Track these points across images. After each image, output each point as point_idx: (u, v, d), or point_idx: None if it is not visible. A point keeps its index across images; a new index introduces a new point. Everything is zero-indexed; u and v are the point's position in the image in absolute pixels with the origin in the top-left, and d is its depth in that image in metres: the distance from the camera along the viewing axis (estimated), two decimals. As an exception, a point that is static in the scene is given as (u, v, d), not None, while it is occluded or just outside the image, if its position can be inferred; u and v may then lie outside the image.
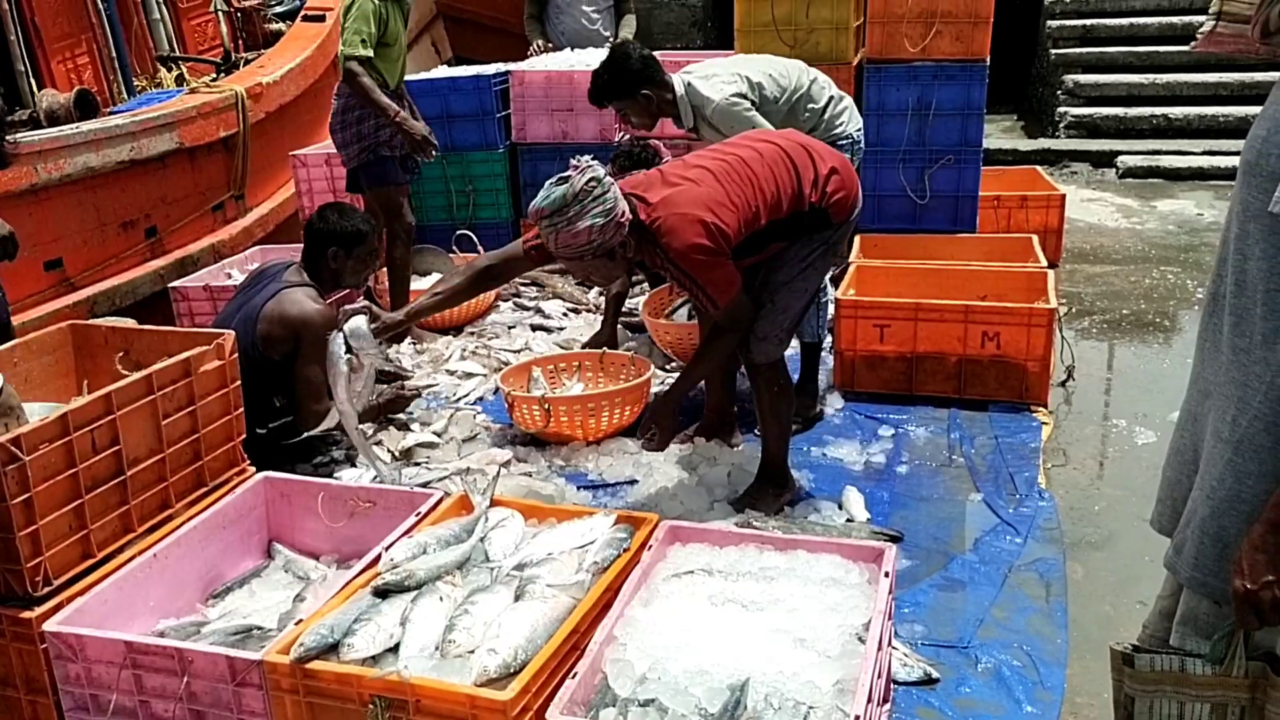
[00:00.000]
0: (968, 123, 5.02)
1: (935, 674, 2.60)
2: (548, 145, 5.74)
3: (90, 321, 3.34)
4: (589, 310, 5.27)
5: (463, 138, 5.69)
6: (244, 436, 2.91)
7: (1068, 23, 9.37)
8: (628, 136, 4.84)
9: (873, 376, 4.22)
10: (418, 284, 5.05)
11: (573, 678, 2.05)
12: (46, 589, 2.33)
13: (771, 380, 3.26)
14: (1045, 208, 5.63)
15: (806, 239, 3.13)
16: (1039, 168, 6.46)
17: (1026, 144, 8.85)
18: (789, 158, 3.09)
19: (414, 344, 4.91)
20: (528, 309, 5.29)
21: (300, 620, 2.26)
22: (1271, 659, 1.65)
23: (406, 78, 4.97)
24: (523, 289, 5.49)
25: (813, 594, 2.32)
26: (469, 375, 4.56)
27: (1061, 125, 8.85)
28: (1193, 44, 1.74)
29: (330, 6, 6.99)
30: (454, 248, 5.51)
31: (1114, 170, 8.13)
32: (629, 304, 4.96)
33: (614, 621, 2.21)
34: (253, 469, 2.94)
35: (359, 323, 3.23)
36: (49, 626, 2.24)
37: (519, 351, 4.75)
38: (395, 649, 2.15)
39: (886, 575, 2.33)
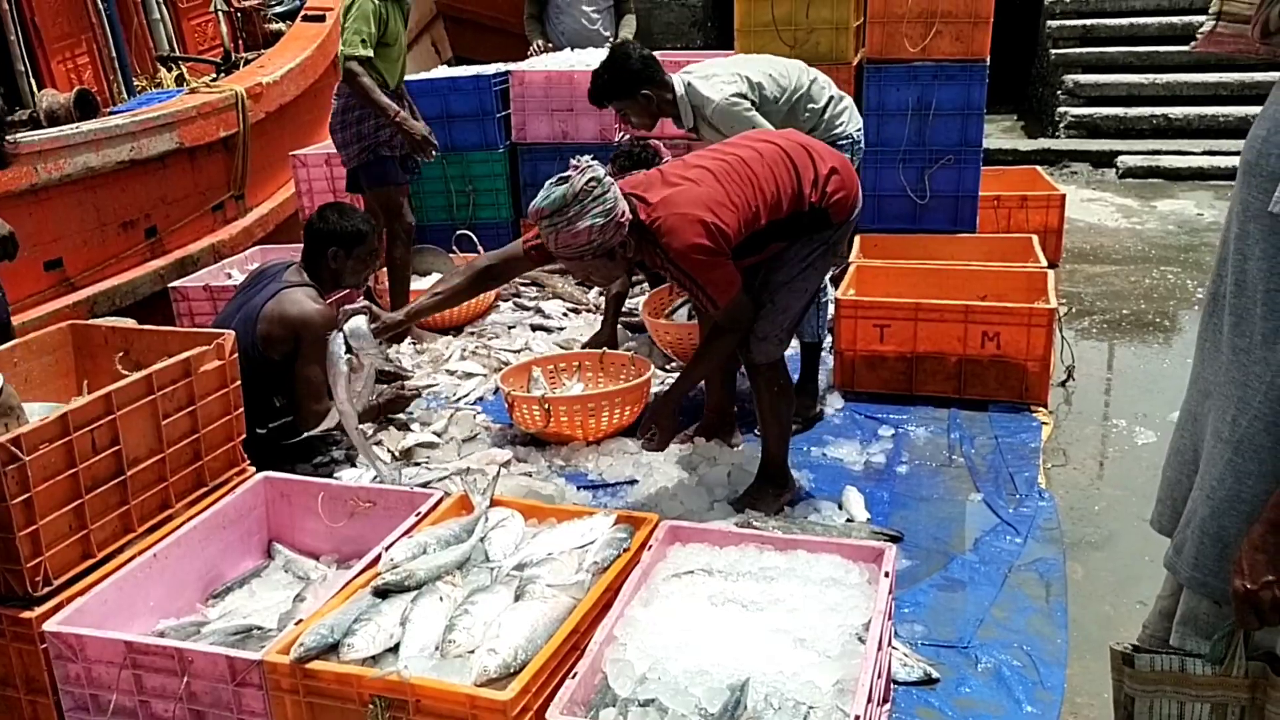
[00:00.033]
0: (968, 123, 5.02)
1: (935, 674, 2.60)
2: (548, 145, 5.74)
3: (90, 321, 3.34)
4: (589, 310, 5.27)
5: (463, 138, 5.69)
6: (244, 436, 2.91)
7: (1068, 23, 9.37)
8: (628, 136, 4.84)
9: (873, 376, 4.22)
10: (418, 284, 5.05)
11: (573, 678, 2.05)
12: (46, 589, 2.33)
13: (771, 380, 3.26)
14: (1045, 208, 5.63)
15: (806, 239, 3.13)
16: (1039, 168, 6.47)
17: (1026, 144, 8.85)
18: (789, 158, 3.09)
19: (414, 344, 4.92)
20: (528, 309, 5.29)
21: (300, 620, 2.26)
22: (1271, 659, 1.65)
23: (406, 78, 4.97)
24: (523, 289, 5.49)
25: (813, 594, 2.32)
26: (469, 375, 4.57)
27: (1061, 125, 8.85)
28: (1193, 44, 1.74)
29: (330, 6, 6.99)
30: (454, 248, 5.51)
31: (1114, 170, 8.13)
32: (629, 304, 4.96)
33: (614, 621, 2.22)
34: (253, 469, 2.94)
35: (359, 323, 3.23)
36: (49, 626, 2.24)
37: (519, 351, 4.75)
38: (395, 649, 2.15)
39: (886, 575, 2.33)
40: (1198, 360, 1.72)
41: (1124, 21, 9.23)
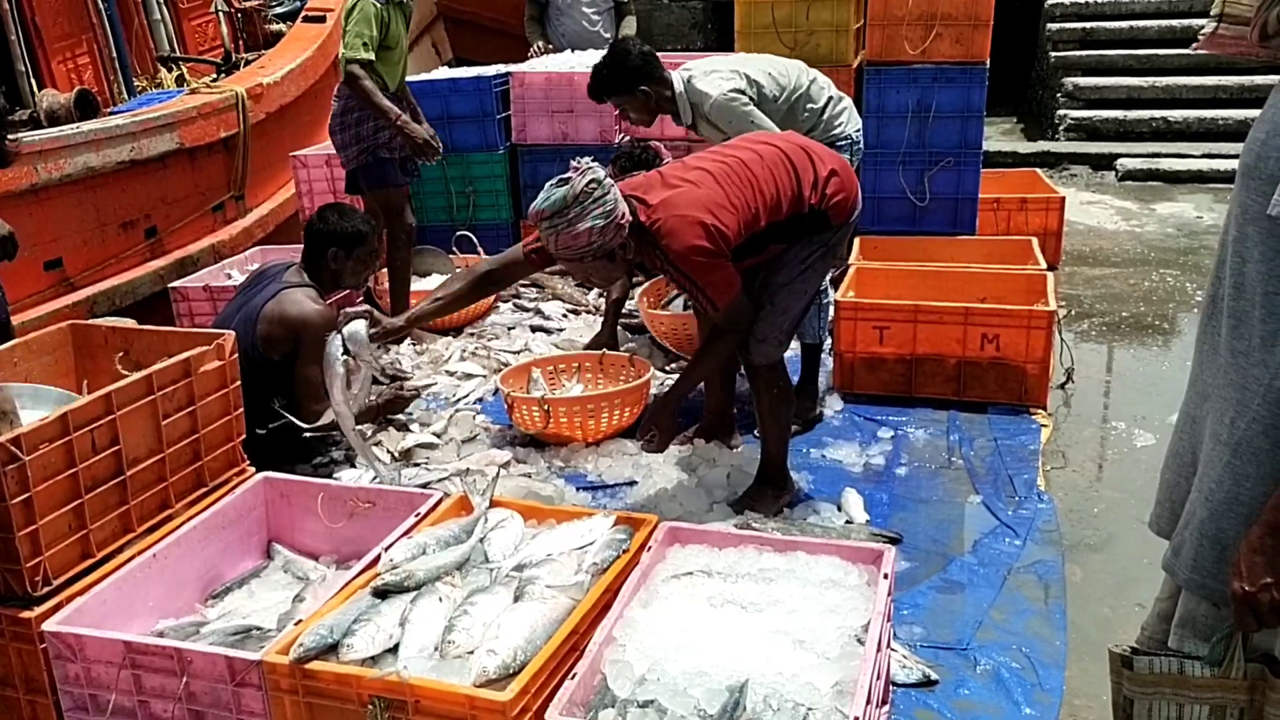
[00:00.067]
0: (967, 125, 5.02)
1: (934, 676, 2.60)
2: (548, 147, 5.74)
3: (90, 321, 3.34)
4: (588, 311, 5.27)
5: (463, 139, 5.69)
6: (244, 437, 2.92)
7: (1067, 25, 9.38)
8: (628, 138, 4.84)
9: (872, 378, 4.22)
10: (418, 285, 5.06)
11: (572, 679, 2.05)
12: (46, 589, 2.33)
13: (771, 382, 3.27)
14: (1045, 210, 5.63)
15: (806, 241, 3.13)
16: (1038, 170, 6.47)
17: (1026, 146, 8.86)
18: (789, 160, 3.09)
19: (414, 345, 4.92)
20: (527, 310, 5.29)
21: (299, 620, 2.26)
22: (1270, 661, 1.66)
23: (407, 79, 4.97)
24: (522, 290, 5.49)
25: (812, 595, 2.32)
26: (468, 376, 4.57)
27: (1061, 128, 8.86)
28: (1195, 45, 1.74)
29: (331, 7, 7.00)
30: (454, 249, 5.52)
31: (1113, 173, 8.13)
32: (628, 305, 4.96)
33: (613, 622, 2.22)
34: (252, 469, 2.94)
35: (358, 327, 3.22)
36: (48, 626, 2.24)
37: (518, 352, 4.75)
38: (394, 649, 2.15)
39: (885, 577, 2.33)
40: (1196, 363, 1.72)
41: (1124, 24, 9.24)
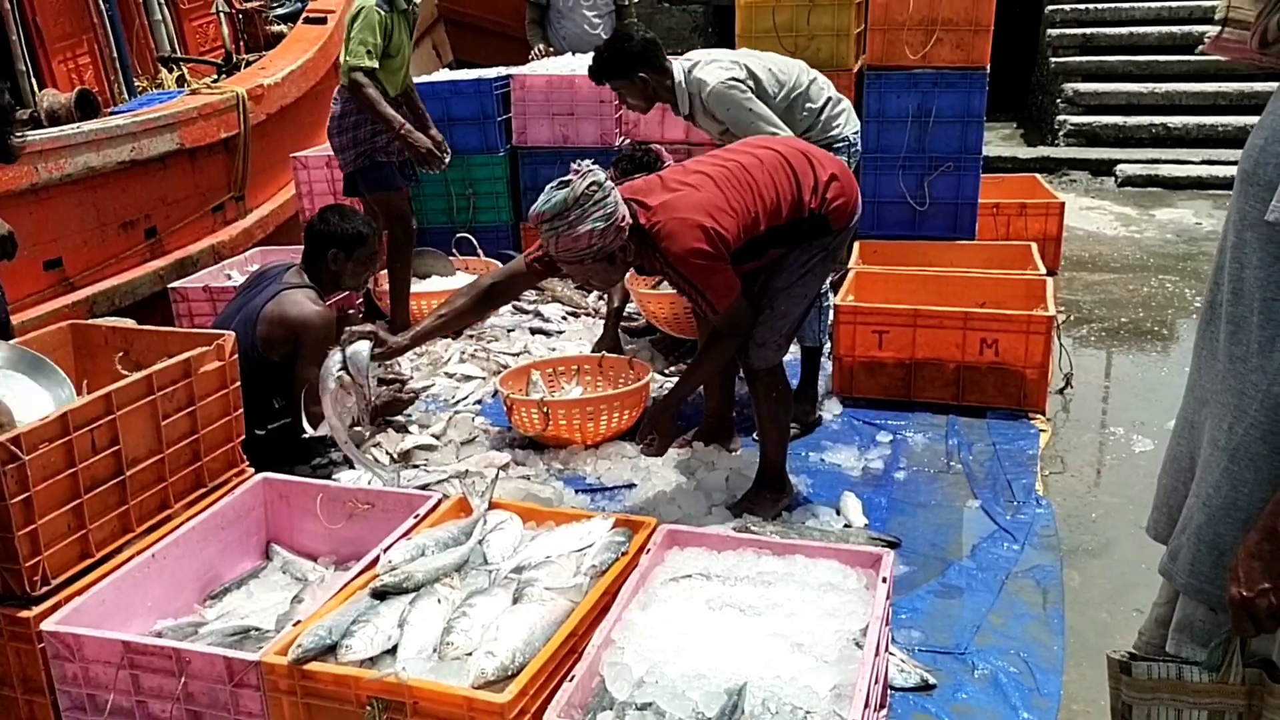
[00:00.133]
0: (967, 130, 5.03)
1: (932, 680, 2.60)
2: (548, 149, 5.75)
3: (90, 321, 3.34)
4: (588, 314, 5.28)
5: (463, 141, 5.69)
6: (243, 437, 2.92)
7: (1068, 31, 9.40)
8: (629, 141, 4.85)
9: (871, 382, 4.22)
10: (418, 287, 5.06)
11: (570, 681, 2.05)
12: (45, 588, 2.33)
13: (770, 386, 3.27)
14: (1044, 215, 5.64)
15: (806, 245, 3.13)
16: (1038, 175, 6.49)
17: (1026, 152, 8.87)
18: (789, 164, 3.10)
19: (413, 346, 4.91)
20: (526, 312, 5.29)
21: (298, 621, 2.26)
22: (1268, 666, 1.66)
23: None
24: (522, 292, 5.50)
25: (810, 599, 2.33)
26: (468, 378, 4.57)
27: (1061, 133, 8.87)
28: (1200, 48, 1.75)
29: (332, 9, 7.01)
30: (454, 251, 5.52)
31: (1113, 178, 8.15)
32: (628, 307, 4.96)
33: (612, 625, 2.22)
34: (251, 470, 2.94)
35: (360, 349, 3.16)
36: (47, 626, 2.24)
37: (518, 355, 4.75)
38: (393, 651, 2.15)
39: (884, 581, 2.33)
40: (1194, 368, 1.72)
41: (1124, 30, 9.26)
